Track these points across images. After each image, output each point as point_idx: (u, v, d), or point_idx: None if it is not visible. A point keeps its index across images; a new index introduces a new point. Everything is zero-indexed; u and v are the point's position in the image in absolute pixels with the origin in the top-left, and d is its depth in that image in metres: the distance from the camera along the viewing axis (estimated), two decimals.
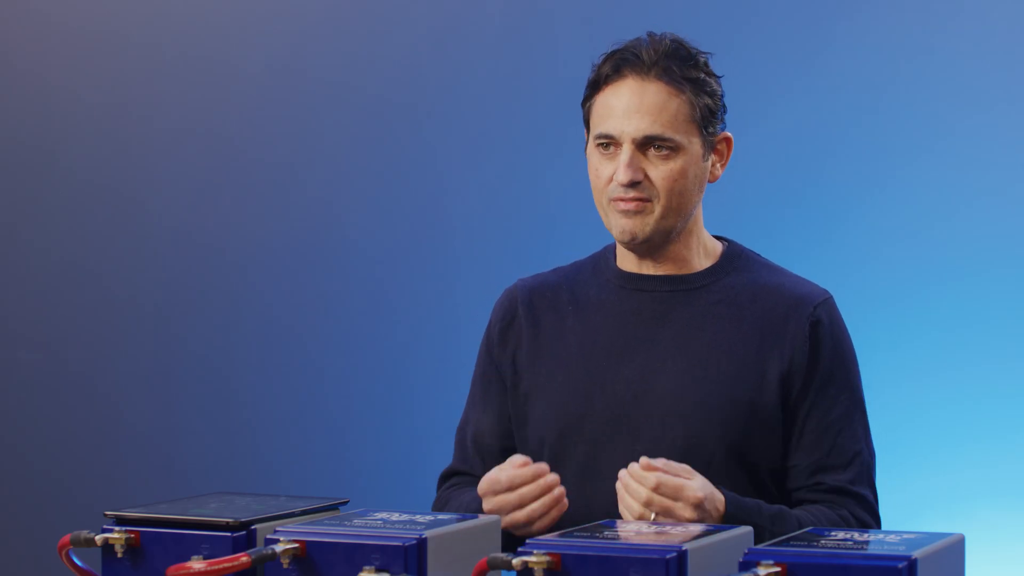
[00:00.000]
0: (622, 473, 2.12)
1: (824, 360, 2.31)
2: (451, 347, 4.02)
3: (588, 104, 2.36)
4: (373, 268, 4.15)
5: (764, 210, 3.82)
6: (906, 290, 3.75)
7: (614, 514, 2.20)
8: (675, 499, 2.09)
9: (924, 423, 3.70)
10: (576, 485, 2.28)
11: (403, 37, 4.12)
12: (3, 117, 4.36)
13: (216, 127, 4.24)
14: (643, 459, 2.11)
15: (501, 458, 2.37)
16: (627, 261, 2.40)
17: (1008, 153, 3.71)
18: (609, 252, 2.44)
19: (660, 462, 2.11)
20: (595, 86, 2.35)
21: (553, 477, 2.18)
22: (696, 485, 2.11)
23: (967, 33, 3.74)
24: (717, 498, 2.14)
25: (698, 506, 2.09)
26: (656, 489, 2.08)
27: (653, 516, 2.09)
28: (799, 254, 3.63)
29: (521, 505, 2.18)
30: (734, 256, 2.40)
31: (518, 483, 2.18)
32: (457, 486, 2.42)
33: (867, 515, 2.29)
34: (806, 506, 2.27)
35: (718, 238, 2.44)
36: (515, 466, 2.19)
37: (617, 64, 2.32)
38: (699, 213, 2.39)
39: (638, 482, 2.09)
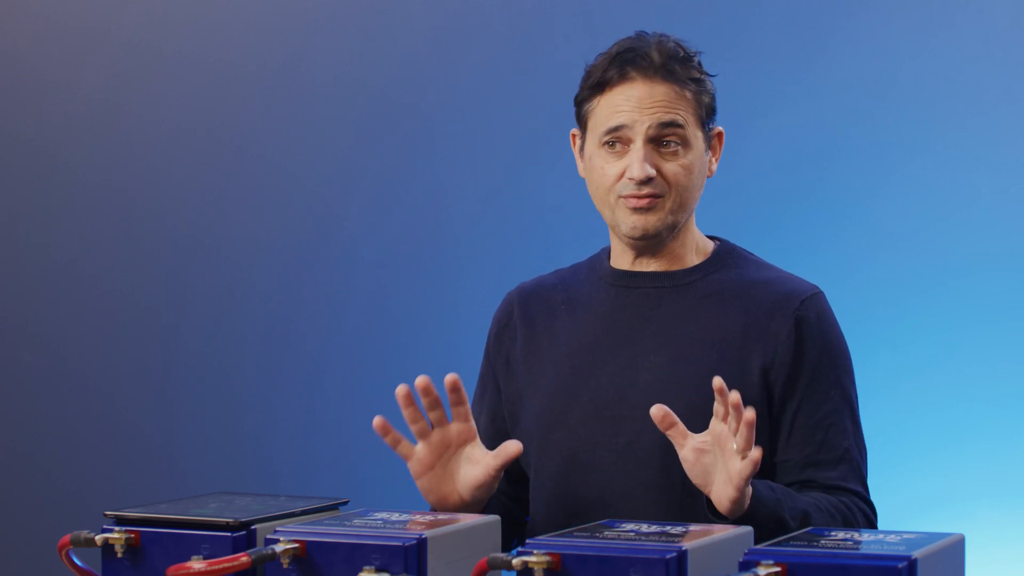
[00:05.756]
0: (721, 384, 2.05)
1: (812, 356, 2.31)
2: (451, 347, 4.02)
3: (588, 105, 2.36)
4: (373, 268, 4.15)
5: (765, 210, 3.82)
6: (906, 290, 3.75)
7: (596, 505, 2.24)
8: (727, 450, 2.05)
9: (924, 423, 3.70)
10: (560, 477, 2.32)
11: (403, 37, 4.12)
12: (3, 117, 4.37)
13: (216, 127, 4.24)
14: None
15: None
16: (621, 259, 2.42)
17: (1008, 153, 3.71)
18: (604, 253, 2.46)
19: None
20: (598, 88, 2.35)
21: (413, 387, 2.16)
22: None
23: (967, 33, 3.74)
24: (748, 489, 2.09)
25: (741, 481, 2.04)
26: (749, 424, 2.01)
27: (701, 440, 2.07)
28: (799, 254, 3.63)
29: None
30: (725, 253, 2.42)
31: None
32: None
33: (869, 511, 2.29)
34: (813, 495, 2.26)
35: (712, 238, 2.46)
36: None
37: (623, 66, 2.33)
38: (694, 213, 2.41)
39: (736, 409, 2.03)
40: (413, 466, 2.19)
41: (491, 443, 2.43)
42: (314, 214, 4.19)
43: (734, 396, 2.02)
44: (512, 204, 4.04)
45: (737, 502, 2.05)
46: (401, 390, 2.14)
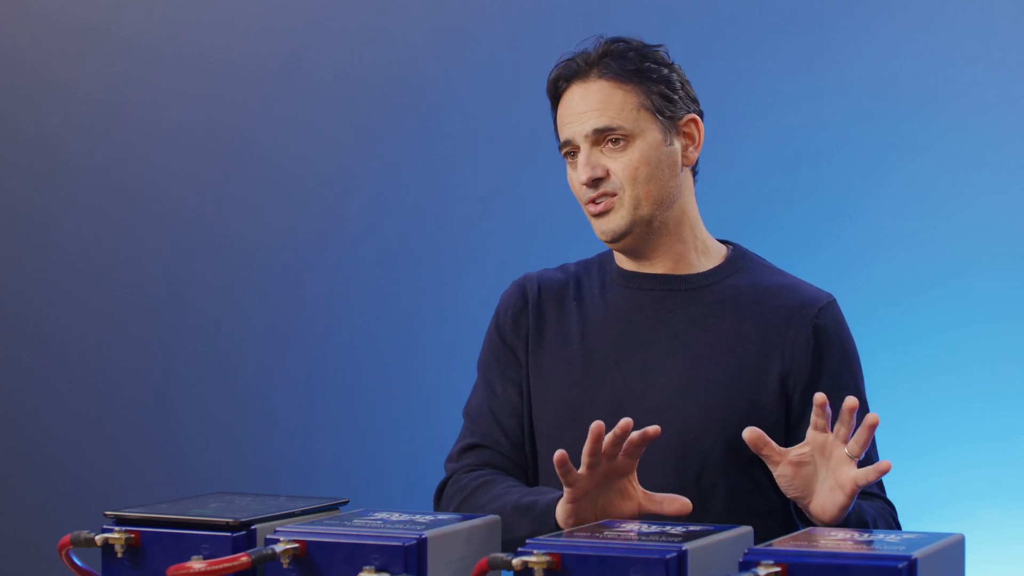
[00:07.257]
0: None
1: (831, 363, 2.33)
2: (451, 347, 4.02)
3: (553, 122, 2.43)
4: (373, 268, 4.15)
5: (765, 210, 3.82)
6: (906, 291, 3.75)
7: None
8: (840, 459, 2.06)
9: (924, 423, 3.70)
10: None
11: (403, 37, 4.12)
12: (3, 117, 4.36)
13: (216, 127, 4.24)
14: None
15: (521, 435, 2.39)
16: (625, 260, 2.42)
17: (1008, 153, 3.71)
18: (610, 253, 2.47)
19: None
20: (553, 104, 2.43)
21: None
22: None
23: (967, 33, 3.74)
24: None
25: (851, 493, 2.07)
26: (872, 427, 2.03)
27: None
28: (800, 254, 3.63)
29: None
30: (738, 258, 2.42)
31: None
32: (492, 472, 2.39)
33: (895, 513, 2.31)
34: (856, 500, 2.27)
35: (724, 242, 2.45)
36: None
37: (559, 77, 2.41)
38: (691, 208, 2.40)
39: (849, 414, 2.05)
40: (572, 492, 2.12)
41: (518, 420, 2.41)
42: (314, 214, 4.18)
43: (851, 401, 2.04)
44: (512, 204, 4.04)
45: (845, 508, 2.07)
46: (598, 427, 2.08)
